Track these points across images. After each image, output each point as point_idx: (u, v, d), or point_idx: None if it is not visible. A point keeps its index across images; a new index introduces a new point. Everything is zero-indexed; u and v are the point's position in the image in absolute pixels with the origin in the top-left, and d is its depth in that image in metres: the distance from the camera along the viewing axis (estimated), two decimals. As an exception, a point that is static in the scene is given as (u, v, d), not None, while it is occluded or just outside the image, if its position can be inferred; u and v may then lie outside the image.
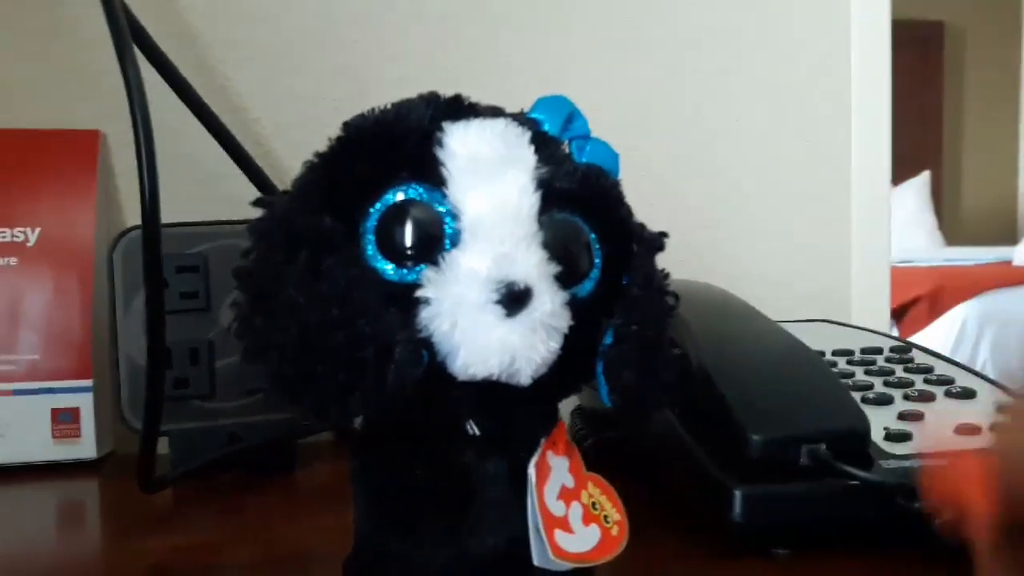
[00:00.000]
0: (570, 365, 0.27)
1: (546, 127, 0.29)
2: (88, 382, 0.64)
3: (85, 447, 0.64)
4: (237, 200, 0.70)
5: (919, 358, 0.56)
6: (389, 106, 0.28)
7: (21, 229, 0.65)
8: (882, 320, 0.84)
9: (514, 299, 0.25)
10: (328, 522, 0.49)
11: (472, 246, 0.26)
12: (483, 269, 0.25)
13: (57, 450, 0.63)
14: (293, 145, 0.74)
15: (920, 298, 2.75)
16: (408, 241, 0.26)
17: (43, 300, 0.64)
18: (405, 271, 0.26)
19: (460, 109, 0.28)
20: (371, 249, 0.26)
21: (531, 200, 0.26)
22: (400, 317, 0.25)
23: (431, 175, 0.26)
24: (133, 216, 0.71)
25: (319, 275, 0.25)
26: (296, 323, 0.24)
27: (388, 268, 0.26)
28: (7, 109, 0.71)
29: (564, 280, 0.27)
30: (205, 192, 0.71)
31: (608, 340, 0.28)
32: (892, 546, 0.40)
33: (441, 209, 0.26)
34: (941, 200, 4.25)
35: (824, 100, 0.85)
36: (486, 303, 0.25)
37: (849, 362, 0.55)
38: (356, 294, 0.24)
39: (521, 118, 0.29)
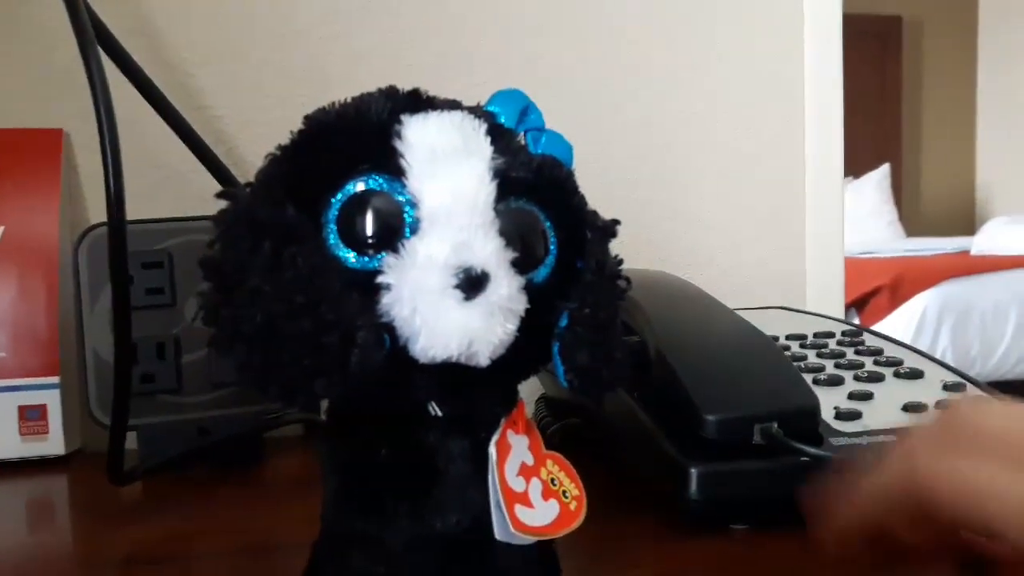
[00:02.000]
0: (527, 347, 0.28)
1: (502, 119, 0.30)
2: (55, 379, 0.64)
3: (53, 444, 0.64)
4: (201, 196, 0.71)
5: (869, 341, 0.58)
6: (349, 100, 0.29)
7: (-15, 227, 0.65)
8: (837, 307, 0.86)
9: (472, 284, 0.26)
10: (297, 511, 0.49)
11: (431, 234, 0.26)
12: (441, 255, 0.26)
13: (25, 447, 0.64)
14: (256, 141, 0.74)
15: (881, 288, 2.79)
16: (369, 230, 0.26)
17: (8, 298, 0.64)
18: (366, 259, 0.26)
19: (418, 102, 0.29)
20: (333, 238, 0.26)
21: (488, 189, 0.27)
22: (362, 303, 0.25)
23: (390, 166, 0.27)
24: (97, 213, 0.72)
25: (282, 264, 0.25)
26: (261, 312, 0.25)
27: (350, 256, 0.26)
28: (-31, 108, 0.71)
29: (520, 266, 0.27)
30: (169, 189, 0.71)
31: (563, 323, 0.29)
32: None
33: (400, 199, 0.27)
34: (901, 192, 4.31)
35: (778, 92, 0.87)
36: (445, 288, 0.25)
37: (802, 345, 0.57)
38: (319, 282, 0.25)
39: (478, 111, 0.30)
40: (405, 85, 0.30)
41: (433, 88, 0.30)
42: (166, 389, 0.60)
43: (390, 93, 0.29)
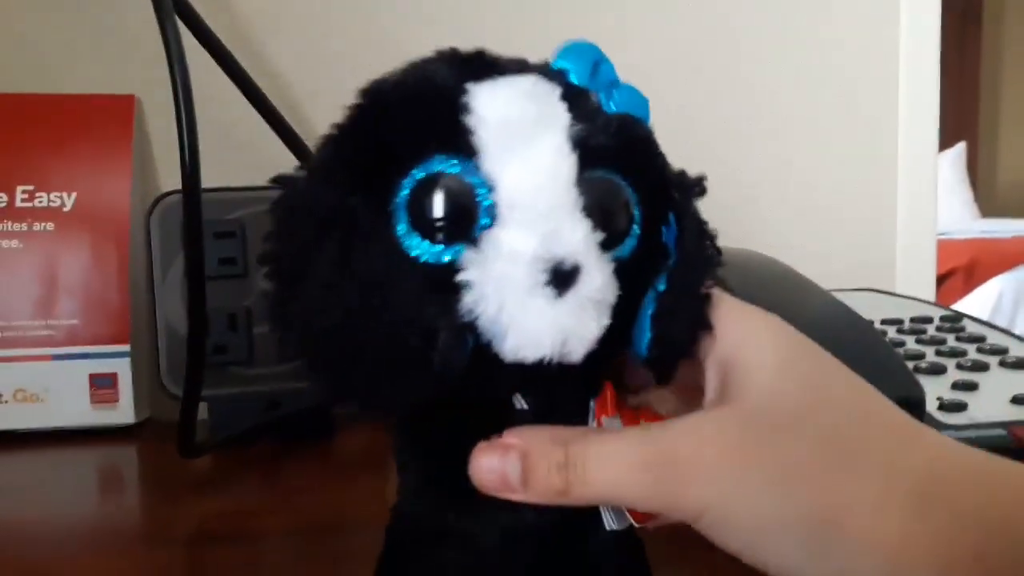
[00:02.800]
0: (616, 331, 0.25)
1: (573, 77, 0.27)
2: (125, 347, 0.64)
3: (123, 412, 0.64)
4: (273, 165, 0.70)
5: (970, 327, 0.55)
6: (409, 67, 0.26)
7: (57, 194, 0.65)
8: (927, 290, 0.83)
9: (563, 279, 0.23)
10: (366, 489, 0.49)
11: (512, 222, 0.24)
12: (528, 249, 0.23)
13: (95, 415, 0.64)
14: (327, 110, 0.73)
15: (955, 271, 2.71)
16: (443, 219, 0.24)
17: (80, 265, 0.64)
18: (442, 250, 0.24)
19: (484, 67, 0.26)
20: (404, 228, 0.24)
21: (569, 163, 0.25)
22: (442, 302, 0.23)
23: (462, 145, 0.24)
24: (168, 181, 0.71)
25: (353, 259, 0.23)
26: (332, 312, 0.23)
27: (424, 248, 0.24)
28: (43, 74, 0.71)
29: (606, 244, 0.25)
30: (241, 157, 0.70)
31: (661, 287, 0.26)
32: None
33: (475, 181, 0.24)
34: (976, 172, 4.18)
35: (871, 69, 0.83)
36: (535, 284, 0.23)
37: (899, 331, 0.54)
38: (395, 279, 0.23)
39: (549, 71, 0.27)
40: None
41: (501, 49, 0.28)
42: (237, 361, 0.59)
43: (452, 58, 0.26)
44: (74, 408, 0.63)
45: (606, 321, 0.25)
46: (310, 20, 0.74)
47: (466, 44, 0.28)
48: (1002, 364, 0.49)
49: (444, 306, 0.23)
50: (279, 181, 0.25)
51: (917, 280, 0.83)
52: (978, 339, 0.52)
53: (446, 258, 0.24)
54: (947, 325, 0.55)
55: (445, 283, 0.23)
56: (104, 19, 0.71)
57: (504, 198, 0.24)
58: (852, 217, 0.83)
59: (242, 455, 0.56)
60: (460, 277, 0.23)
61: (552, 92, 0.26)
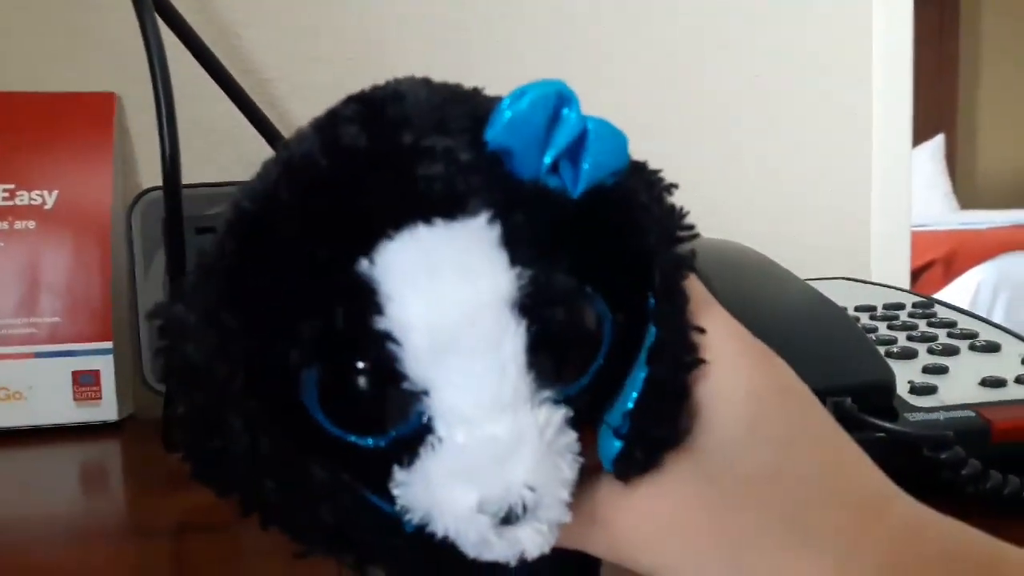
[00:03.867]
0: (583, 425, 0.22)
1: (517, 165, 0.21)
2: (108, 344, 0.64)
3: (106, 409, 0.64)
4: (254, 160, 0.70)
5: (942, 313, 0.56)
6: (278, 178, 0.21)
7: (39, 192, 0.65)
8: (902, 279, 0.84)
9: (513, 519, 0.20)
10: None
11: (448, 452, 0.20)
12: (469, 502, 0.20)
13: (79, 412, 0.64)
14: (308, 105, 0.73)
15: (934, 262, 2.73)
16: (363, 421, 0.21)
17: (62, 263, 0.64)
18: (365, 437, 0.21)
19: (372, 233, 0.20)
20: (318, 415, 0.21)
21: (513, 331, 0.20)
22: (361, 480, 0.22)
23: (359, 291, 0.20)
24: (149, 178, 0.71)
25: (266, 461, 0.21)
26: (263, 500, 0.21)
27: (343, 433, 0.21)
28: (22, 73, 0.71)
29: (566, 378, 0.22)
30: (222, 153, 0.71)
31: (634, 395, 0.22)
32: (917, 497, 0.40)
33: (403, 385, 0.20)
34: (955, 164, 4.21)
35: (845, 58, 0.84)
36: (484, 528, 0.20)
37: (872, 317, 0.55)
38: (336, 502, 0.21)
39: (472, 208, 0.20)
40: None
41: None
42: (219, 355, 0.59)
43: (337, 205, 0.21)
44: (57, 405, 0.63)
45: (566, 520, 0.21)
46: (290, 15, 0.74)
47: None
48: (972, 348, 0.50)
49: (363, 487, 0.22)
50: (154, 315, 0.21)
51: (892, 270, 0.84)
52: (949, 324, 0.53)
53: (370, 443, 0.21)
54: (919, 311, 0.56)
55: (374, 463, 0.21)
56: (83, 17, 0.71)
57: (434, 404, 0.20)
58: (827, 207, 0.84)
59: (226, 448, 0.56)
60: (392, 490, 0.21)
61: (478, 244, 0.20)
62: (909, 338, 0.51)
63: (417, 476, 0.21)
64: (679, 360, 0.22)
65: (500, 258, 0.20)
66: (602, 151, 0.21)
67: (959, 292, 2.68)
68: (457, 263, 0.20)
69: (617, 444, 0.22)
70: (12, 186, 0.64)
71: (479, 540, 0.21)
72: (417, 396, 0.20)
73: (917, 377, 0.46)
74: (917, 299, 0.59)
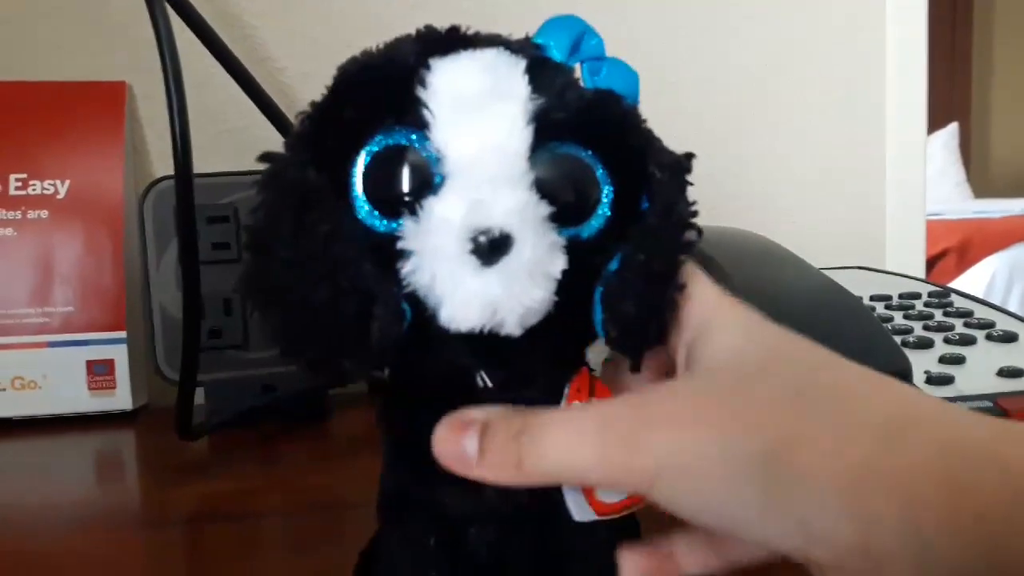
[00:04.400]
0: (575, 308, 0.25)
1: (552, 52, 0.27)
2: (122, 334, 0.64)
3: (120, 398, 0.64)
4: (265, 149, 0.70)
5: (958, 302, 0.55)
6: (382, 46, 0.27)
7: (51, 182, 0.65)
8: (917, 267, 0.83)
9: (490, 248, 0.23)
10: (362, 469, 0.49)
11: (451, 192, 0.24)
12: (456, 217, 0.23)
13: (93, 402, 0.64)
14: (318, 93, 0.73)
15: (948, 251, 2.71)
16: (392, 190, 0.25)
17: (75, 252, 0.64)
18: (388, 222, 0.25)
19: (453, 42, 0.26)
20: (359, 201, 0.25)
21: (521, 136, 0.24)
22: (381, 271, 0.24)
23: (414, 118, 0.25)
24: (161, 167, 0.71)
25: (304, 231, 0.24)
26: (287, 281, 0.23)
27: (376, 220, 0.25)
28: (33, 62, 0.71)
29: (562, 219, 0.25)
30: (233, 142, 0.71)
31: (613, 267, 0.25)
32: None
33: (426, 153, 0.24)
34: (969, 152, 4.18)
35: (860, 47, 0.83)
36: (461, 253, 0.23)
37: (887, 307, 0.55)
38: (336, 249, 0.23)
39: (519, 45, 0.27)
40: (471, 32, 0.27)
41: (497, 27, 0.28)
42: (233, 345, 0.59)
43: (423, 35, 0.27)
44: (71, 395, 0.64)
45: (541, 294, 0.24)
46: (300, 3, 0.74)
47: (455, 22, 0.28)
48: (989, 338, 0.50)
49: (383, 275, 0.24)
50: (265, 159, 0.26)
51: (907, 259, 0.83)
52: (966, 314, 0.53)
53: (391, 228, 0.24)
54: (935, 300, 0.56)
55: (387, 252, 0.24)
56: (94, 5, 0.71)
57: (450, 169, 0.24)
58: (842, 196, 0.84)
59: (239, 437, 0.56)
60: (399, 245, 0.24)
61: (515, 65, 0.26)
62: (925, 328, 0.51)
63: (422, 220, 0.24)
64: (658, 238, 0.25)
65: (523, 77, 0.25)
66: (615, 71, 0.27)
67: (973, 281, 2.66)
68: (487, 64, 0.25)
69: (600, 314, 0.25)
70: (24, 175, 0.65)
71: (456, 268, 0.23)
72: (438, 160, 0.24)
73: (934, 367, 0.46)
74: (933, 288, 0.58)
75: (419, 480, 0.27)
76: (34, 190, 0.64)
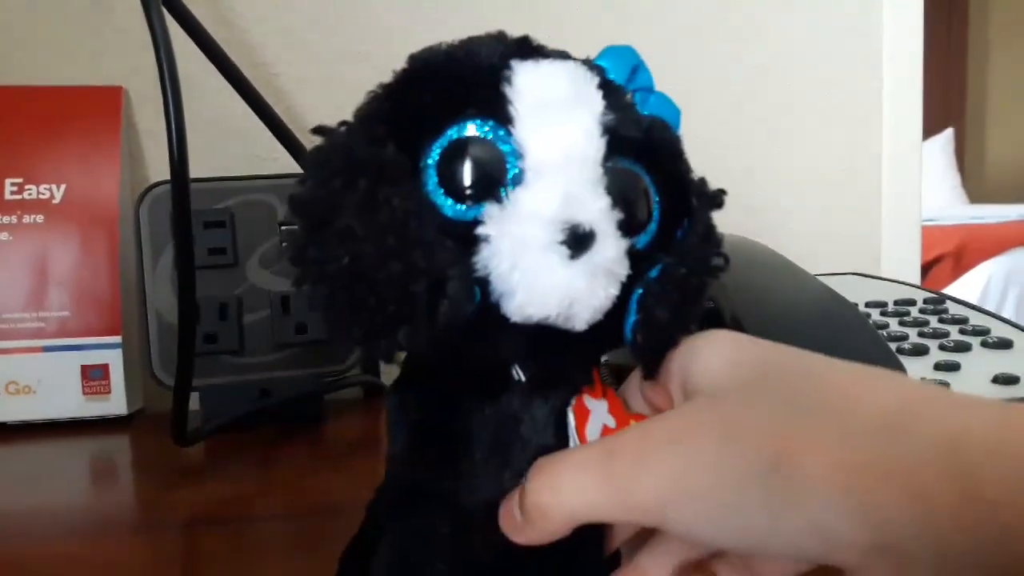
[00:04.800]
0: (613, 314, 0.26)
1: (611, 75, 0.28)
2: (117, 338, 0.64)
3: (116, 403, 0.64)
4: (262, 155, 0.70)
5: (953, 309, 0.55)
6: (457, 42, 0.27)
7: (47, 186, 0.65)
8: (912, 273, 0.83)
9: (579, 241, 0.24)
10: (357, 473, 0.49)
11: (537, 185, 0.25)
12: (549, 209, 0.24)
13: (88, 406, 0.64)
14: (316, 99, 0.73)
15: (943, 256, 2.72)
16: (470, 178, 0.25)
17: (71, 257, 0.64)
18: (465, 208, 0.25)
19: (529, 49, 0.28)
20: (432, 184, 0.25)
21: (597, 144, 0.26)
22: (457, 253, 0.24)
23: (498, 112, 0.26)
24: (157, 172, 0.71)
25: (377, 204, 0.24)
26: (350, 252, 0.24)
27: (448, 204, 0.25)
28: (29, 67, 0.71)
29: (624, 229, 0.26)
30: (230, 147, 0.71)
31: (653, 274, 0.27)
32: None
33: (506, 148, 0.25)
34: (964, 158, 4.19)
35: (855, 51, 0.84)
36: (550, 243, 0.24)
37: (883, 313, 0.55)
38: (413, 225, 0.24)
39: (588, 64, 0.28)
40: (462, 36, 0.28)
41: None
42: (228, 350, 0.59)
43: (500, 38, 0.28)
44: (66, 400, 0.64)
45: (614, 293, 0.25)
46: (297, 8, 0.74)
47: (459, 29, 0.29)
48: (984, 344, 0.50)
49: (458, 256, 0.24)
50: (319, 131, 0.26)
51: (902, 265, 0.83)
52: (960, 320, 0.53)
53: (468, 214, 0.25)
54: (930, 307, 0.56)
55: (462, 236, 0.25)
56: (90, 10, 0.71)
57: (531, 165, 0.25)
58: (837, 202, 0.84)
59: (234, 442, 0.56)
60: (479, 231, 0.25)
61: (590, 80, 0.27)
62: (920, 334, 0.51)
63: (508, 208, 0.25)
64: (696, 257, 0.28)
65: (597, 92, 0.27)
66: (662, 104, 0.29)
67: (969, 287, 2.67)
68: (568, 73, 0.27)
69: (634, 316, 0.27)
70: (20, 180, 0.65)
71: (543, 256, 0.24)
72: (519, 156, 0.25)
73: (929, 374, 0.46)
74: (928, 295, 0.58)
75: (442, 471, 0.27)
76: (30, 195, 0.64)
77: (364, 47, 0.73)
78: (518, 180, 0.25)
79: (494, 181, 0.25)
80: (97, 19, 0.71)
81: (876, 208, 0.84)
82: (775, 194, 0.82)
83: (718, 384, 0.25)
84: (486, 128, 0.26)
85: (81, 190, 0.65)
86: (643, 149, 0.27)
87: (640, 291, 0.27)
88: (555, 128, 0.25)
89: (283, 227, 0.61)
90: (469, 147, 0.25)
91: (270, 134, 0.65)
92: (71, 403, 0.64)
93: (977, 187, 4.15)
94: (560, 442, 0.27)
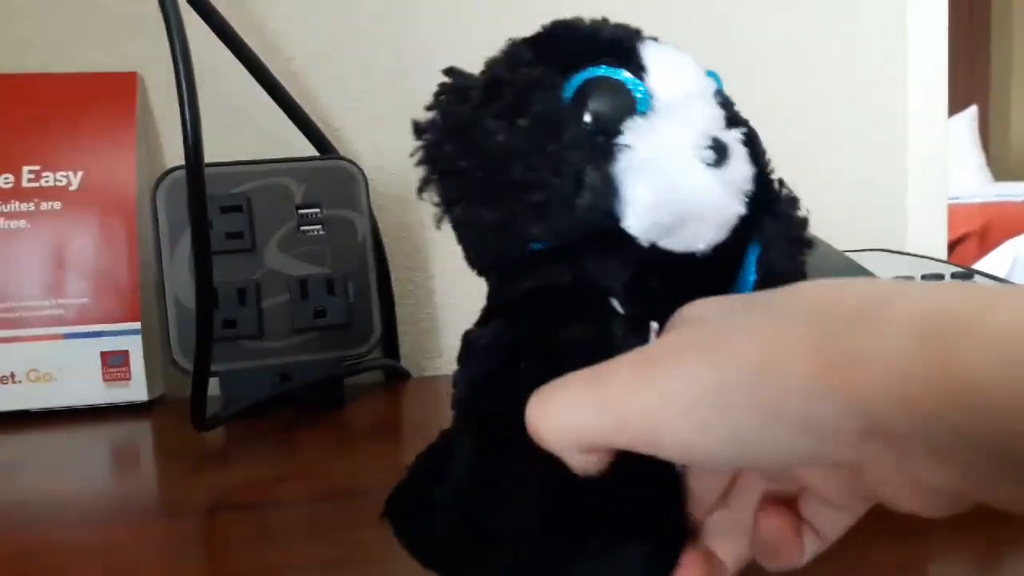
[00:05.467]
0: (714, 263, 0.28)
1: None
2: (137, 325, 0.64)
3: (136, 390, 0.64)
4: (278, 139, 0.70)
5: (982, 283, 0.54)
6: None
7: (64, 173, 0.65)
8: (940, 250, 0.82)
9: (721, 151, 0.26)
10: (378, 457, 0.49)
11: (675, 111, 0.27)
12: (695, 123, 0.26)
13: (108, 393, 0.64)
14: (331, 82, 0.73)
15: (968, 235, 2.69)
16: (608, 105, 0.27)
17: (89, 244, 0.64)
18: (602, 127, 0.27)
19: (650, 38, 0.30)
20: (572, 105, 0.27)
21: (718, 113, 0.28)
22: (600, 151, 0.26)
23: (632, 63, 0.28)
24: (173, 157, 0.71)
25: (524, 108, 0.26)
26: (492, 149, 0.26)
27: (588, 121, 0.27)
28: (44, 54, 0.70)
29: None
30: (246, 132, 0.70)
31: (764, 238, 0.29)
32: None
33: (639, 86, 0.27)
34: (988, 135, 4.14)
35: (880, 29, 0.82)
36: (697, 147, 0.26)
37: (911, 289, 0.54)
38: (560, 127, 0.26)
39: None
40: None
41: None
42: (247, 335, 0.59)
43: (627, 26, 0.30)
44: (87, 387, 0.63)
45: (743, 211, 0.27)
46: (311, -7, 0.73)
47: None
48: (1015, 319, 0.48)
49: (600, 155, 0.26)
50: (449, 72, 0.28)
51: (928, 243, 0.82)
52: (991, 295, 0.52)
53: (608, 131, 0.27)
54: (958, 281, 0.54)
55: (604, 142, 0.26)
56: (105, -3, 0.71)
57: (665, 104, 0.27)
58: (863, 180, 0.83)
59: (255, 427, 0.56)
60: (619, 140, 0.26)
61: (702, 68, 0.30)
62: (950, 310, 0.50)
63: (653, 119, 0.27)
64: (798, 227, 0.30)
65: (709, 77, 0.30)
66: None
67: (994, 266, 2.64)
68: (685, 55, 0.30)
69: (753, 276, 0.29)
70: (38, 167, 0.64)
71: (688, 160, 0.26)
72: (652, 97, 0.28)
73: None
74: (956, 269, 0.57)
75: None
76: (47, 182, 0.64)
77: (379, 30, 0.72)
78: (651, 108, 0.27)
79: (630, 109, 0.27)
80: (111, 5, 0.71)
81: (902, 186, 0.83)
82: (801, 173, 0.81)
83: (701, 315, 0.25)
84: (623, 72, 0.28)
85: (98, 176, 0.65)
86: (744, 131, 0.29)
87: (758, 247, 0.29)
88: (683, 74, 0.28)
89: (300, 210, 0.61)
90: (607, 80, 0.27)
91: (286, 117, 0.64)
92: (92, 390, 0.64)
93: (1002, 165, 4.10)
94: None
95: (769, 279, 0.28)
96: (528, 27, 0.30)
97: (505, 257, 0.28)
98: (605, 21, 0.30)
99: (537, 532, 0.26)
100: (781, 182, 0.31)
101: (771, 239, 0.29)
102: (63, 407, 0.63)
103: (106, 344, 0.64)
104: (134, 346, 0.64)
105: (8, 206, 0.64)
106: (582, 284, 0.27)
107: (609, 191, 0.26)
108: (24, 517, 0.44)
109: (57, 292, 0.63)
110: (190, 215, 0.47)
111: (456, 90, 0.27)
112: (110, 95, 0.67)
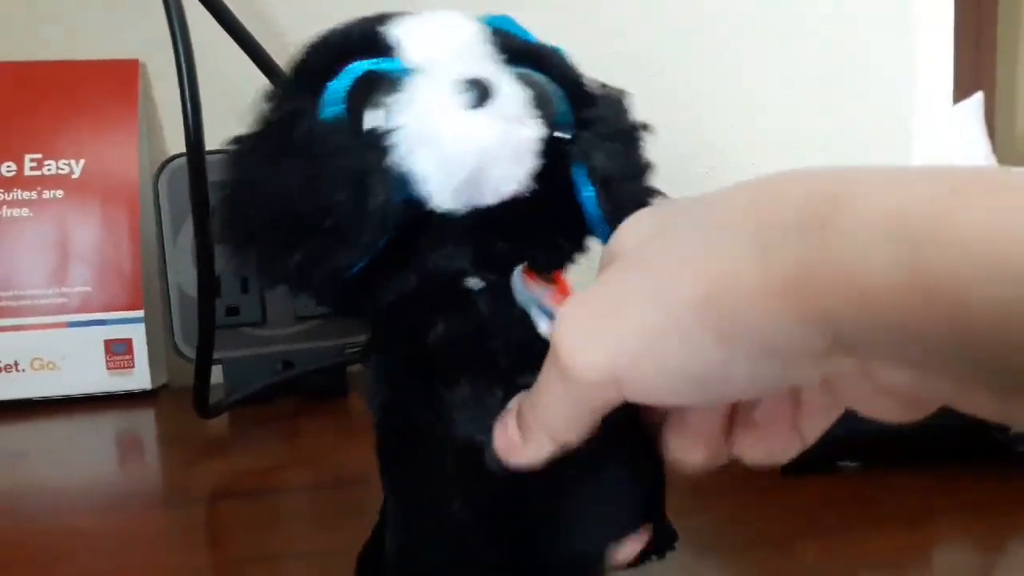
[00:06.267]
0: (550, 203, 0.27)
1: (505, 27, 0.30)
2: (140, 313, 0.64)
3: (139, 377, 0.64)
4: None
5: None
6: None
7: (65, 161, 0.65)
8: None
9: (478, 88, 0.25)
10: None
11: (430, 71, 0.26)
12: (445, 76, 0.25)
13: (112, 381, 0.64)
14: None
15: (972, 223, 2.68)
16: (364, 90, 0.26)
17: (91, 232, 0.64)
18: (371, 114, 0.26)
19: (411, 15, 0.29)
20: (333, 109, 0.26)
21: (484, 40, 0.28)
22: (372, 155, 0.25)
23: (380, 49, 0.27)
24: (175, 144, 0.71)
25: (291, 139, 0.26)
26: (267, 194, 0.25)
27: (356, 118, 0.26)
28: (46, 42, 0.70)
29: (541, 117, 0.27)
30: (246, 118, 0.70)
31: (584, 147, 0.28)
32: (958, 459, 0.40)
33: (392, 64, 0.27)
34: (994, 123, 4.12)
35: (885, 14, 0.82)
36: (451, 95, 0.25)
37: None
38: (325, 145, 0.25)
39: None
40: (489, 3, 0.29)
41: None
42: (250, 322, 0.59)
43: (384, 15, 0.29)
44: (91, 375, 0.64)
45: (531, 133, 0.26)
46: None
47: (463, 5, 0.29)
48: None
49: (374, 157, 0.25)
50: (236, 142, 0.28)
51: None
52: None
53: (379, 127, 0.26)
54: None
55: (376, 143, 0.25)
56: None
57: (420, 65, 0.26)
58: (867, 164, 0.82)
59: (258, 415, 0.56)
60: (387, 125, 0.25)
61: (466, 18, 0.28)
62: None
63: (407, 90, 0.25)
64: (614, 113, 0.29)
65: (474, 23, 0.28)
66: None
67: (999, 252, 2.63)
68: (443, 14, 0.28)
69: (590, 190, 0.28)
70: (39, 155, 0.64)
71: (446, 111, 0.25)
72: (403, 63, 0.27)
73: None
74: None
75: (429, 404, 0.26)
76: (49, 170, 0.64)
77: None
78: (408, 75, 0.26)
79: (391, 89, 0.26)
80: (113, -8, 0.71)
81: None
82: (805, 157, 0.81)
83: (638, 240, 0.23)
84: (372, 62, 0.27)
85: (100, 164, 0.65)
86: (532, 56, 0.28)
87: (582, 160, 0.28)
88: (438, 33, 0.27)
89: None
90: (366, 75, 0.26)
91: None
92: (95, 378, 0.64)
93: (1008, 151, 4.08)
94: (531, 332, 0.26)
95: (606, 185, 0.27)
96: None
97: (338, 291, 0.27)
98: (359, 20, 0.29)
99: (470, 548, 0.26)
100: (604, 86, 0.30)
101: (587, 148, 0.28)
102: (67, 395, 0.63)
103: (109, 332, 0.64)
104: (137, 334, 0.64)
105: (11, 194, 0.63)
106: (432, 280, 0.27)
107: (393, 182, 0.25)
108: (28, 504, 0.44)
109: (60, 280, 0.63)
110: (192, 202, 0.46)
111: (236, 141, 0.28)
112: (112, 83, 0.67)
